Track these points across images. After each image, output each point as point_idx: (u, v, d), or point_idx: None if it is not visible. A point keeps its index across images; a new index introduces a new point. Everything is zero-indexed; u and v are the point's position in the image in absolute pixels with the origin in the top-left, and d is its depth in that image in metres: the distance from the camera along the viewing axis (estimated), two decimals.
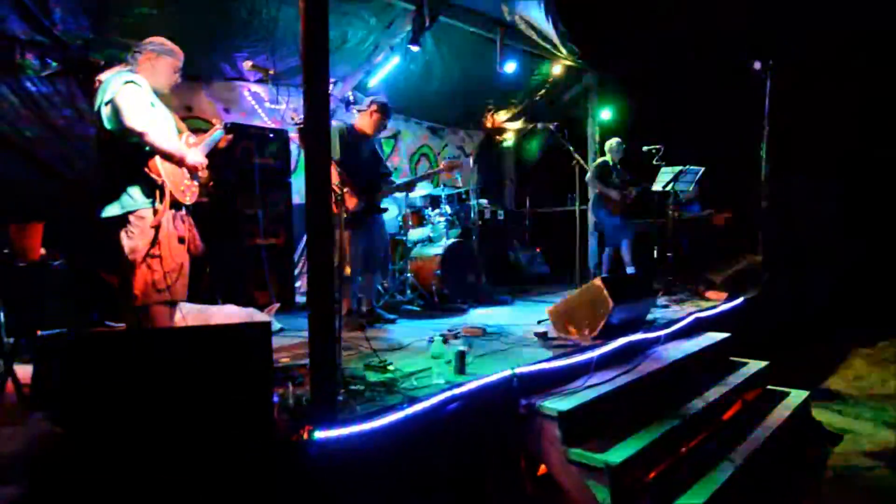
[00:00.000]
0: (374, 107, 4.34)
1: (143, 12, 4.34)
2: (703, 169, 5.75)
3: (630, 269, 6.24)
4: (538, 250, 7.78)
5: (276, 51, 5.00)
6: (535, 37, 6.08)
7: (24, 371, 2.38)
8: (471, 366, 3.03)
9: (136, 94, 2.67)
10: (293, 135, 5.47)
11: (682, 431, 3.20)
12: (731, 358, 4.42)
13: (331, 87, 6.20)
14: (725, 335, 4.44)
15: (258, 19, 4.73)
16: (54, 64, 4.45)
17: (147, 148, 2.68)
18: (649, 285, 4.42)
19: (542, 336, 3.81)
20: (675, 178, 5.67)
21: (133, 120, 2.60)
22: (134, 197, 2.70)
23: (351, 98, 5.96)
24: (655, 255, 6.29)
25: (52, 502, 1.64)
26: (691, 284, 5.86)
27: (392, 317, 4.55)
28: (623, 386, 3.25)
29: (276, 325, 4.23)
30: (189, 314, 3.91)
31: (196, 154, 2.94)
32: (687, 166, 5.67)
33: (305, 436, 2.08)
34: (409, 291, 5.40)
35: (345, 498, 2.21)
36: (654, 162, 5.90)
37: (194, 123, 5.27)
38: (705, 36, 7.43)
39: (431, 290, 5.23)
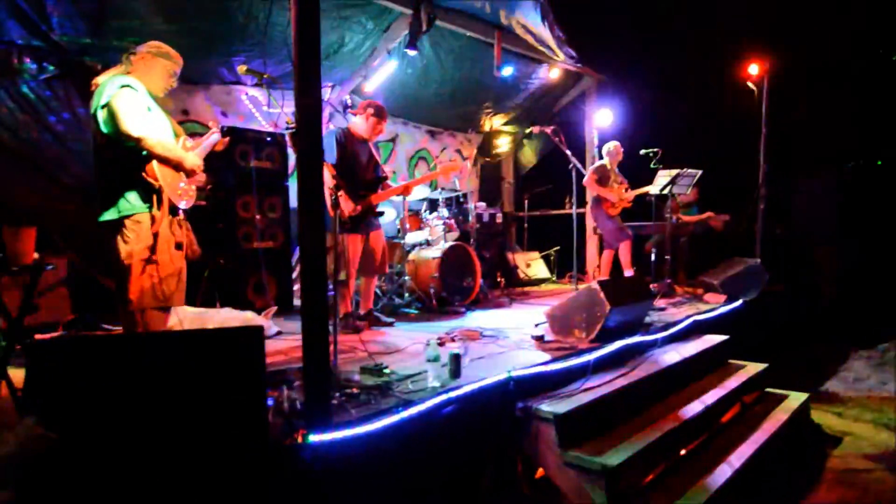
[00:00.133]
0: (370, 111, 4.34)
1: (140, 17, 4.35)
2: (700, 172, 5.75)
3: (629, 272, 6.24)
4: (539, 254, 7.79)
5: (272, 55, 5.01)
6: (531, 40, 6.10)
7: (18, 375, 2.37)
8: (467, 369, 3.02)
9: (132, 99, 2.66)
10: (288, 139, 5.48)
11: (679, 434, 3.19)
12: (730, 360, 4.42)
13: (328, 91, 6.23)
14: (724, 337, 4.43)
15: (254, 23, 4.74)
16: (52, 68, 4.46)
17: (144, 152, 2.68)
18: (647, 288, 4.41)
19: (540, 339, 3.81)
20: (673, 181, 5.67)
21: (129, 124, 2.60)
22: (131, 201, 2.70)
23: (349, 102, 5.98)
24: (654, 258, 6.28)
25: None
26: (690, 287, 5.86)
27: (389, 320, 4.54)
28: (620, 389, 3.24)
29: (273, 329, 4.22)
30: (186, 318, 3.92)
31: (193, 158, 2.94)
32: (684, 169, 5.67)
33: (300, 439, 2.07)
34: (406, 294, 5.39)
35: (340, 502, 2.20)
36: (652, 165, 5.91)
37: (191, 127, 5.28)
38: (702, 38, 7.45)
39: (429, 293, 5.23)
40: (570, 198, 5.32)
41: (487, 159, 8.94)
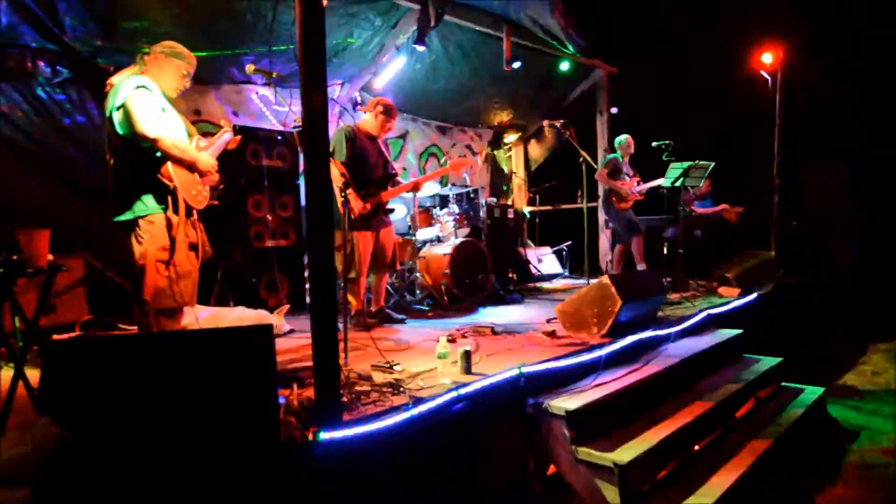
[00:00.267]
0: (378, 108, 4.35)
1: (150, 18, 4.38)
2: (713, 164, 5.69)
3: (641, 266, 6.19)
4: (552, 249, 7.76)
5: (280, 54, 5.03)
6: (541, 34, 6.06)
7: (37, 375, 2.42)
8: (478, 365, 3.03)
9: (147, 100, 2.68)
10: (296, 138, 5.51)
11: (692, 430, 3.16)
12: (745, 355, 4.37)
13: (337, 88, 6.24)
14: (738, 332, 4.38)
15: (262, 23, 4.76)
16: (65, 71, 4.52)
17: (158, 154, 2.70)
18: (659, 282, 4.38)
19: (551, 335, 3.80)
20: (685, 174, 5.61)
21: (145, 126, 2.62)
22: (145, 202, 2.72)
23: (358, 99, 6.01)
24: (666, 252, 6.23)
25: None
26: (704, 281, 5.81)
27: (401, 317, 4.56)
28: (632, 384, 3.22)
29: (285, 327, 4.26)
30: (200, 317, 3.97)
31: (207, 158, 2.96)
32: (697, 161, 5.61)
33: (310, 437, 2.09)
34: (418, 291, 5.40)
35: (350, 499, 2.21)
36: (665, 158, 5.85)
37: (203, 127, 5.32)
38: (715, 30, 7.35)
39: (440, 290, 5.23)
40: (580, 192, 5.28)
41: (498, 154, 8.91)
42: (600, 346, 3.47)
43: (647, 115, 7.42)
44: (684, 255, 5.85)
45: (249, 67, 3.11)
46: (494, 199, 7.18)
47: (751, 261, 5.67)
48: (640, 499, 2.69)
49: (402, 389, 2.62)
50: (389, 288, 5.16)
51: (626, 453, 2.68)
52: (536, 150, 8.98)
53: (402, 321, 4.50)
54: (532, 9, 5.78)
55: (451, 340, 3.64)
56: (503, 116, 8.29)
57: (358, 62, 5.97)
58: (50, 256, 2.62)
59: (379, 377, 2.81)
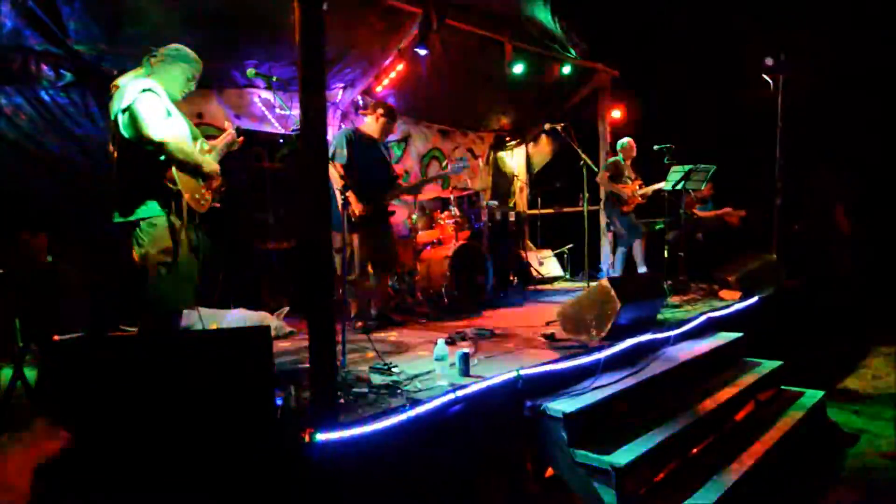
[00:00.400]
0: (379, 111, 4.37)
1: (153, 23, 4.41)
2: (714, 167, 5.68)
3: (643, 269, 6.19)
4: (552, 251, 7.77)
5: (282, 58, 5.06)
6: (542, 37, 6.08)
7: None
8: (476, 368, 3.03)
9: (153, 103, 2.68)
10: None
11: (691, 433, 3.16)
12: (745, 358, 4.37)
13: (340, 92, 6.26)
14: (738, 335, 4.38)
15: (264, 27, 4.78)
16: (69, 75, 4.54)
17: (162, 157, 2.70)
18: (659, 285, 4.38)
19: (550, 337, 3.80)
20: (687, 177, 5.61)
21: (150, 129, 2.62)
22: (149, 204, 2.72)
23: (360, 102, 6.04)
24: (667, 255, 6.22)
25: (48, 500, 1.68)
26: (705, 283, 5.80)
27: (401, 319, 4.57)
28: (631, 387, 3.22)
29: (286, 329, 4.28)
30: (201, 318, 3.99)
31: (211, 162, 2.97)
32: (698, 165, 5.61)
33: (307, 438, 2.10)
34: (418, 293, 5.41)
35: (347, 500, 2.22)
36: (666, 161, 5.85)
37: (205, 130, 5.31)
38: (717, 32, 7.36)
39: (441, 292, 5.24)
40: (581, 195, 5.29)
41: (500, 157, 8.92)
42: (599, 348, 3.48)
43: (649, 118, 7.42)
44: (685, 258, 5.85)
45: (250, 71, 3.13)
46: (495, 202, 7.19)
47: (752, 264, 5.66)
48: (637, 501, 2.69)
49: (399, 391, 2.63)
50: (390, 290, 5.17)
51: (623, 456, 2.69)
52: (538, 153, 8.99)
53: (402, 323, 4.51)
54: (533, 12, 5.80)
55: (450, 343, 3.65)
56: (505, 120, 8.30)
57: (360, 66, 5.99)
58: (49, 258, 2.64)
59: (377, 379, 2.82)
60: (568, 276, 7.66)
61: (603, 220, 7.22)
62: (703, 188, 6.12)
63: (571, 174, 6.29)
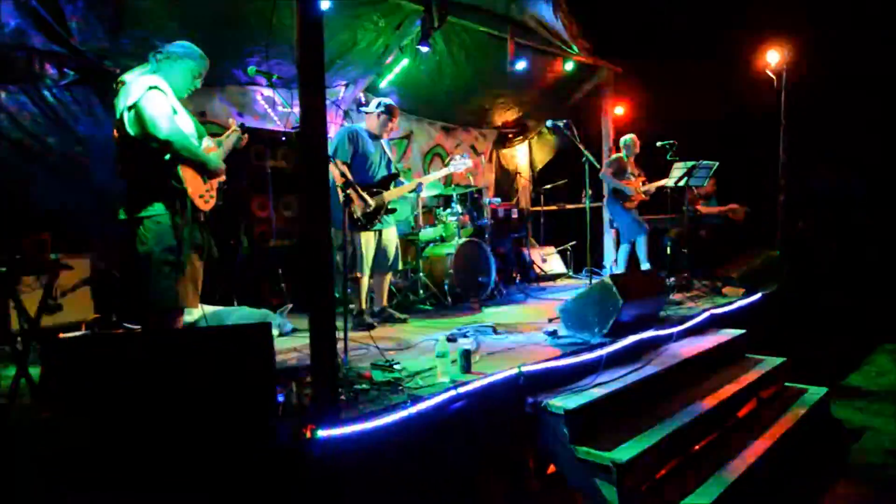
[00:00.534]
0: (381, 108, 4.37)
1: (156, 21, 4.42)
2: (716, 163, 5.67)
3: (646, 266, 6.18)
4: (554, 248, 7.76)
5: (284, 56, 5.06)
6: (545, 34, 6.07)
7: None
8: (478, 365, 3.04)
9: (159, 101, 2.66)
10: None
11: (693, 429, 3.16)
12: (748, 354, 4.36)
13: (342, 89, 6.27)
14: (741, 331, 4.37)
15: (266, 25, 4.79)
16: (72, 73, 4.57)
17: (168, 156, 2.69)
18: (661, 282, 4.37)
19: (552, 334, 3.80)
20: (689, 173, 5.60)
21: (156, 127, 2.61)
22: (152, 202, 2.71)
23: (362, 100, 6.04)
24: (669, 252, 6.21)
25: (58, 501, 1.69)
26: (708, 280, 5.79)
27: (403, 316, 4.57)
28: (633, 384, 3.22)
29: (288, 326, 4.29)
30: (203, 316, 4.00)
31: (216, 160, 2.96)
32: (700, 161, 5.60)
33: (308, 434, 2.11)
34: (421, 291, 5.42)
35: (348, 497, 2.23)
36: (669, 157, 5.84)
37: (209, 128, 5.31)
38: (721, 29, 7.32)
39: (443, 290, 5.25)
40: (583, 192, 5.28)
41: (503, 154, 8.91)
42: (601, 345, 3.48)
43: (653, 114, 7.40)
44: (688, 255, 5.84)
45: (251, 69, 3.13)
46: (499, 199, 7.18)
47: (755, 261, 5.65)
48: (638, 498, 2.69)
49: (400, 388, 2.64)
50: (392, 288, 5.17)
51: (625, 452, 2.68)
52: (541, 150, 8.98)
53: (404, 321, 4.52)
54: (536, 9, 5.78)
55: (452, 339, 3.66)
56: (508, 116, 8.29)
57: (362, 63, 5.99)
58: (52, 256, 2.65)
59: (378, 376, 2.83)
60: (571, 273, 7.65)
61: (606, 216, 7.21)
62: (706, 184, 6.11)
63: (574, 171, 6.28)
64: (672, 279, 5.63)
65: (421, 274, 5.41)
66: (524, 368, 2.95)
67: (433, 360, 3.14)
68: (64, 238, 3.93)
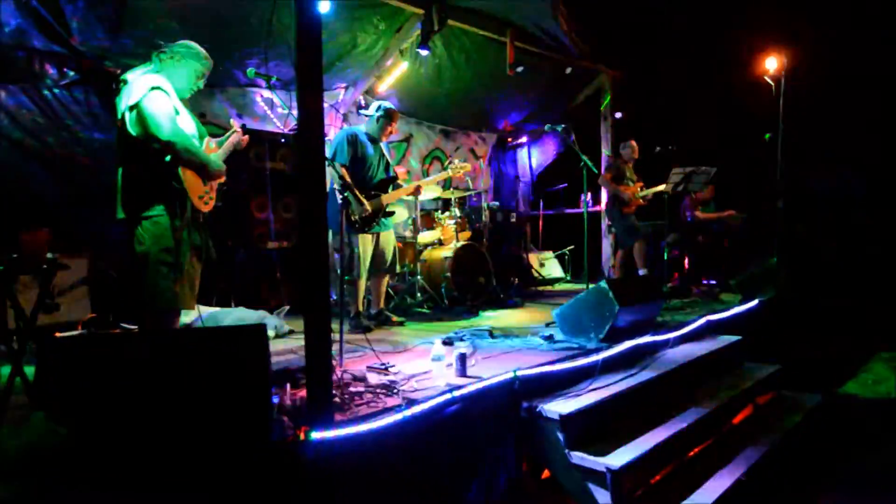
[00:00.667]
0: (381, 112, 4.39)
1: (156, 22, 4.43)
2: (715, 169, 5.68)
3: (643, 271, 6.19)
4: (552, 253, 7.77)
5: (283, 57, 5.07)
6: (544, 38, 6.08)
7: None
8: (474, 368, 3.04)
9: (162, 101, 2.64)
10: None
11: (689, 435, 3.16)
12: (744, 361, 4.36)
13: (342, 92, 6.29)
14: (737, 338, 4.37)
15: (266, 27, 4.80)
16: (72, 74, 4.58)
17: (168, 157, 2.67)
18: (658, 287, 4.38)
19: (549, 339, 3.81)
20: (687, 179, 5.61)
21: (158, 128, 2.60)
22: (152, 203, 2.69)
23: (362, 102, 6.05)
24: (667, 257, 6.22)
25: (52, 500, 1.69)
26: (705, 286, 5.79)
27: (400, 319, 4.58)
28: (628, 389, 3.22)
29: (285, 328, 4.29)
30: (203, 317, 4.00)
31: (217, 161, 2.95)
32: (699, 167, 5.61)
33: (302, 436, 2.11)
34: (418, 294, 5.42)
35: (341, 499, 2.23)
36: (667, 163, 5.85)
37: (209, 129, 5.36)
38: (720, 34, 7.35)
39: (441, 293, 5.25)
40: (581, 196, 5.30)
41: (502, 158, 8.93)
42: (597, 350, 3.48)
43: (652, 119, 7.42)
44: (686, 261, 5.85)
45: (250, 71, 3.14)
46: (497, 203, 7.19)
47: (752, 267, 5.65)
48: (632, 503, 2.69)
49: (396, 391, 2.64)
50: (390, 290, 5.18)
51: (619, 458, 2.69)
52: (540, 155, 8.99)
53: (401, 323, 4.52)
54: (535, 14, 5.80)
55: (448, 343, 3.66)
56: (507, 121, 8.31)
57: (362, 66, 6.01)
58: (49, 255, 2.65)
59: (373, 378, 2.83)
60: (569, 278, 7.66)
61: (604, 221, 7.22)
62: (704, 190, 6.12)
63: (573, 176, 6.29)
64: (669, 285, 5.63)
65: (418, 277, 5.41)
66: (520, 373, 2.95)
67: (429, 363, 3.16)
68: (62, 237, 3.92)
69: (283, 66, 5.14)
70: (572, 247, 7.74)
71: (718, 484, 2.89)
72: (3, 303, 2.61)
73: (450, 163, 5.15)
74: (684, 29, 7.39)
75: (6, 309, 2.72)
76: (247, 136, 3.22)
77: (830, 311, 6.33)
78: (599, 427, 2.96)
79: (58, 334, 3.63)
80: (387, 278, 4.66)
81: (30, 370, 2.53)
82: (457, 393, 2.65)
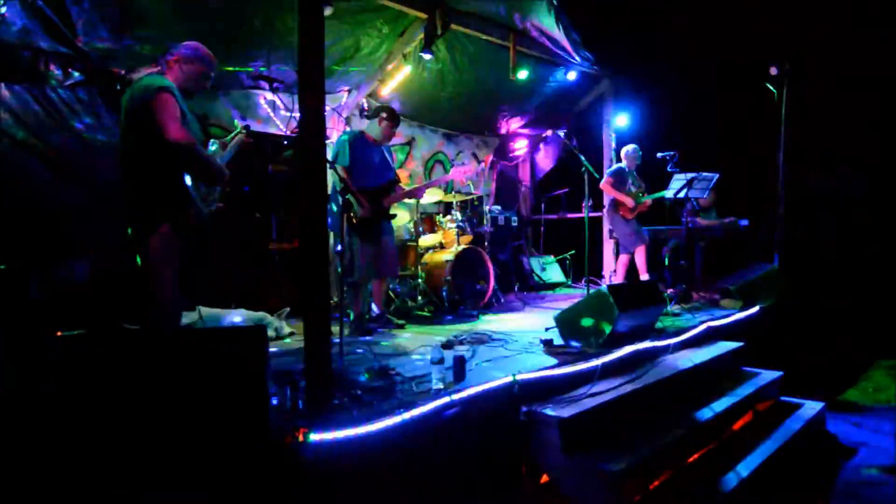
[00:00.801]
0: (382, 114, 4.40)
1: (161, 23, 4.45)
2: (717, 175, 5.68)
3: (645, 277, 6.18)
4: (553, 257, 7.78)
5: (288, 60, 5.09)
6: (547, 44, 6.10)
7: None
8: (473, 372, 3.04)
9: (169, 104, 2.63)
10: None
11: (687, 441, 3.16)
12: (744, 368, 4.36)
13: (345, 95, 6.30)
14: (738, 344, 4.37)
15: (270, 29, 4.83)
16: (77, 74, 4.59)
17: (174, 157, 2.67)
18: (658, 293, 4.37)
19: (548, 343, 3.80)
20: (689, 185, 5.61)
21: (166, 129, 2.58)
22: (158, 204, 2.69)
23: (364, 105, 6.07)
24: (668, 263, 6.22)
25: (49, 499, 1.69)
26: (706, 292, 5.79)
27: (401, 322, 4.58)
28: (628, 394, 3.22)
29: (285, 329, 4.30)
30: (202, 317, 4.02)
31: (222, 166, 2.95)
32: (700, 173, 5.61)
33: (300, 438, 2.11)
34: (419, 297, 5.42)
35: (341, 500, 2.23)
36: (669, 168, 5.85)
37: (211, 131, 5.38)
38: (722, 40, 7.36)
39: (442, 296, 5.26)
40: (583, 201, 5.31)
41: (504, 162, 8.94)
42: (597, 355, 3.48)
43: (654, 125, 7.42)
44: (687, 267, 5.84)
45: (253, 73, 3.14)
46: (499, 207, 7.20)
47: (754, 273, 5.65)
48: None
49: (394, 394, 2.64)
50: (390, 293, 5.18)
51: (618, 463, 2.68)
52: (542, 159, 9.00)
53: (401, 326, 4.52)
54: (538, 19, 5.82)
55: (448, 346, 3.66)
56: (509, 125, 8.32)
57: (365, 69, 6.02)
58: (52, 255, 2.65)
59: (373, 381, 2.83)
60: (569, 282, 7.66)
61: (606, 226, 7.22)
62: (705, 196, 6.12)
63: (575, 180, 6.30)
64: (670, 290, 5.63)
65: (419, 280, 5.42)
66: (519, 377, 2.95)
67: (428, 366, 3.15)
68: (67, 237, 3.95)
69: (286, 69, 5.16)
70: (573, 251, 7.74)
71: (718, 491, 2.88)
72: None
73: (452, 166, 5.17)
74: (686, 35, 7.40)
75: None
76: (249, 139, 3.23)
77: (831, 313, 6.31)
78: (598, 432, 2.96)
79: (59, 333, 3.65)
80: (387, 281, 4.66)
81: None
82: (456, 396, 2.66)
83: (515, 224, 7.34)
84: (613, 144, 7.31)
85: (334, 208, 4.13)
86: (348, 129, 6.14)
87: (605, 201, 6.60)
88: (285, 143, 5.41)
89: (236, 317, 4.23)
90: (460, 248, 5.40)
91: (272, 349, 3.37)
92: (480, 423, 2.77)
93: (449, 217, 5.82)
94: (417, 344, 3.86)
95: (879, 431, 4.19)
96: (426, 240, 5.72)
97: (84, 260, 4.28)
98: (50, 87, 4.51)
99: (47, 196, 4.49)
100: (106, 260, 4.39)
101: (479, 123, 8.09)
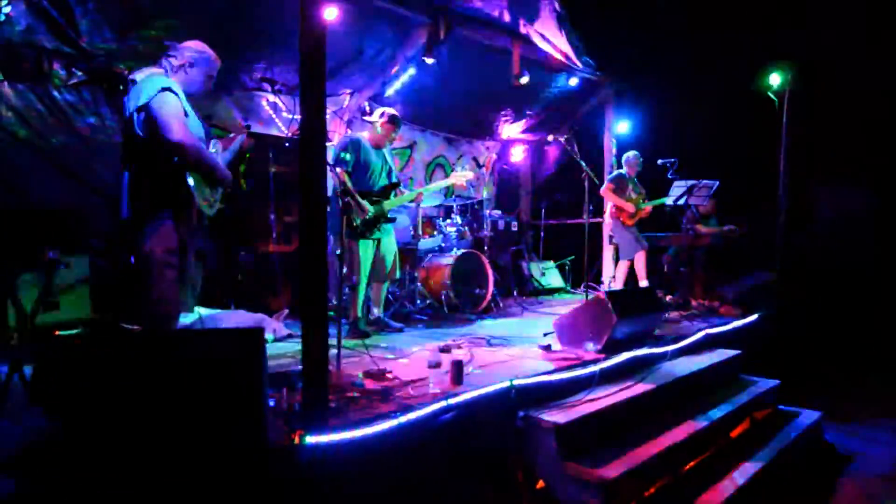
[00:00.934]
0: (384, 118, 4.41)
1: (166, 24, 4.47)
2: (717, 183, 5.69)
3: (644, 283, 6.19)
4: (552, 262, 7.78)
5: (290, 62, 5.10)
6: (550, 49, 6.12)
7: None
8: (470, 377, 3.04)
9: (172, 103, 2.62)
10: None
11: (683, 449, 3.15)
12: (742, 375, 4.35)
13: (347, 98, 6.31)
14: (736, 352, 4.37)
15: (273, 31, 4.84)
16: (80, 73, 4.60)
17: (176, 158, 2.66)
18: (657, 299, 4.37)
19: (547, 348, 3.81)
20: (689, 192, 5.62)
21: (168, 130, 2.56)
22: (158, 205, 2.68)
23: (366, 109, 6.08)
24: (667, 270, 6.22)
25: (46, 499, 1.69)
26: (705, 299, 5.79)
27: (399, 325, 4.58)
28: (625, 401, 3.22)
29: (284, 331, 4.30)
30: (201, 319, 4.02)
31: (224, 169, 2.94)
32: (700, 180, 5.62)
33: (297, 440, 2.11)
34: (418, 301, 5.43)
35: (337, 503, 2.23)
36: (669, 176, 5.86)
37: (213, 132, 5.40)
38: (723, 47, 7.37)
39: (441, 300, 5.26)
40: (584, 207, 5.32)
41: (505, 167, 8.95)
42: (595, 361, 3.48)
43: (655, 131, 7.43)
44: (687, 274, 5.84)
45: (256, 74, 3.15)
46: (499, 212, 7.21)
47: (753, 281, 5.65)
48: None
49: (391, 397, 2.64)
50: (390, 296, 5.19)
51: (613, 470, 2.68)
52: (543, 165, 9.01)
53: (399, 330, 4.53)
54: (541, 24, 5.84)
55: (445, 350, 3.66)
56: (511, 130, 8.33)
57: (367, 72, 6.04)
58: (49, 254, 2.66)
59: (370, 384, 2.84)
60: (569, 288, 7.66)
61: (606, 232, 7.22)
62: (706, 203, 6.13)
63: (576, 186, 6.30)
64: (669, 297, 5.63)
65: (418, 284, 5.42)
66: (516, 382, 2.96)
67: (426, 370, 3.16)
68: (65, 236, 3.95)
69: (288, 71, 5.17)
70: (573, 257, 7.75)
71: (713, 498, 2.88)
72: (3, 301, 2.62)
73: (453, 171, 5.18)
74: (688, 41, 7.41)
75: (6, 307, 2.74)
76: (249, 140, 3.22)
77: (830, 321, 6.31)
78: (595, 438, 2.96)
79: (57, 333, 3.66)
80: (386, 284, 4.67)
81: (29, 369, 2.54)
82: (452, 400, 2.66)
83: (515, 229, 7.34)
84: (614, 150, 7.31)
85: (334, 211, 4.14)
86: (349, 132, 6.15)
87: (606, 207, 6.61)
88: (286, 144, 5.42)
89: (235, 318, 4.23)
90: (460, 252, 5.41)
91: (270, 351, 3.37)
92: (477, 428, 2.77)
93: (449, 221, 5.83)
94: (415, 347, 3.86)
95: (876, 441, 4.19)
96: (426, 243, 5.73)
97: (83, 259, 4.29)
98: (53, 87, 4.53)
99: (47, 194, 4.51)
100: (105, 258, 4.40)
101: (480, 127, 8.10)
